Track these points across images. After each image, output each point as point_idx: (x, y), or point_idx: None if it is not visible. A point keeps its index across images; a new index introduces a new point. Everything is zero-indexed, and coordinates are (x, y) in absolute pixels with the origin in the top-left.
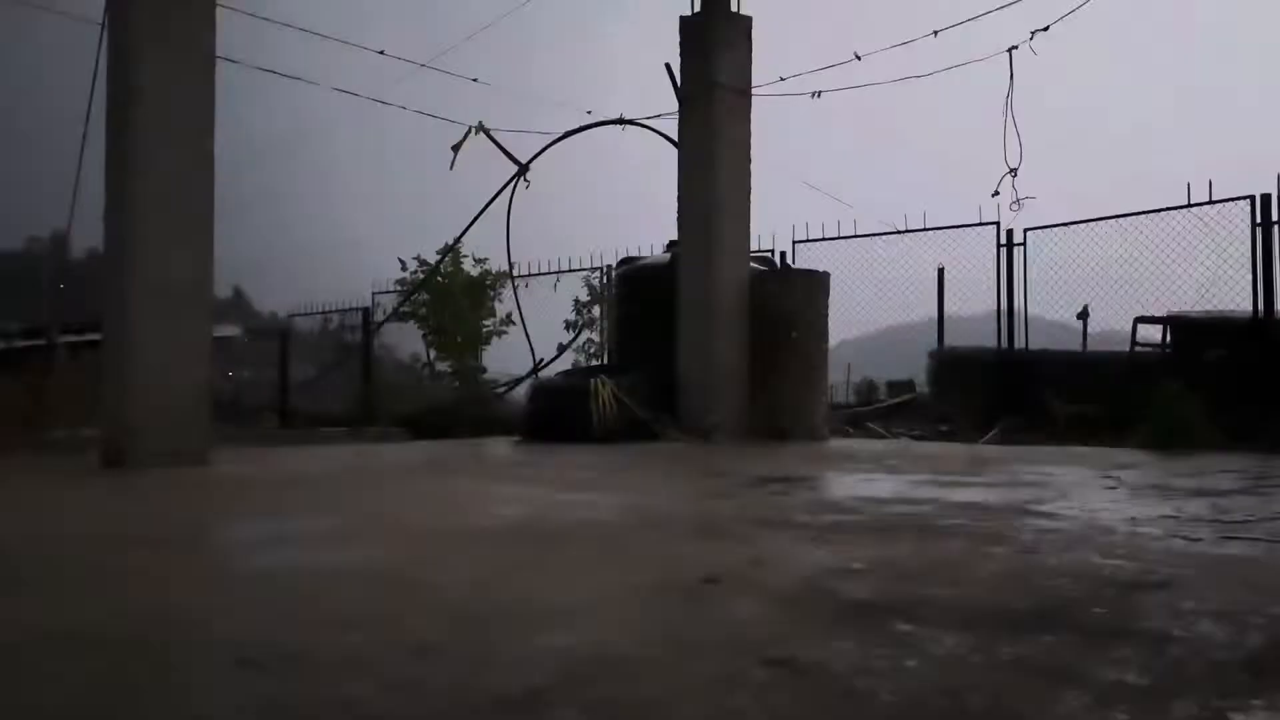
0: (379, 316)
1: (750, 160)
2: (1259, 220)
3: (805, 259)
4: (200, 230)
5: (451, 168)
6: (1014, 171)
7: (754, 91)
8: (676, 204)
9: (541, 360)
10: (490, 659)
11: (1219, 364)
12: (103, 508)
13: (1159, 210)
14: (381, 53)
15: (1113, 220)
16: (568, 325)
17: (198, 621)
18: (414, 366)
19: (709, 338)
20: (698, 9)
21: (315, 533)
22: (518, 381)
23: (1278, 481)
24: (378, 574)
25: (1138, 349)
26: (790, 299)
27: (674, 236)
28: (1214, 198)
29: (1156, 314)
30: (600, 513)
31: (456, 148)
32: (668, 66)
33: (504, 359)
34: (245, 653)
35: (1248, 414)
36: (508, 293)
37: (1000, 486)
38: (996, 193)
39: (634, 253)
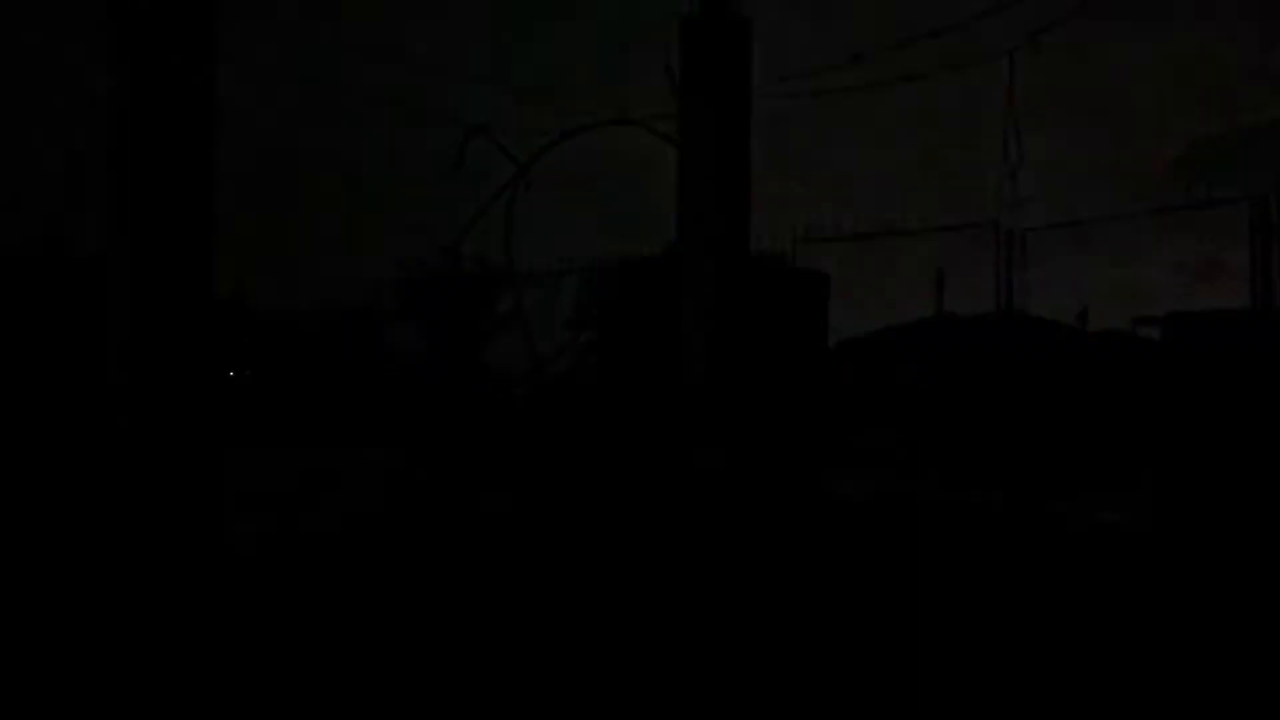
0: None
1: (750, 160)
2: None
3: (806, 259)
4: None
5: (457, 169)
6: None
7: (754, 91)
8: (677, 204)
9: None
10: None
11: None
12: None
13: None
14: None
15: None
16: (568, 324)
17: None
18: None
19: (713, 339)
20: (698, 10)
21: None
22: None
23: None
24: None
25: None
26: (791, 300)
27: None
28: None
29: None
30: None
31: (460, 152)
32: (668, 67)
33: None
34: None
35: None
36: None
37: None
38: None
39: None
